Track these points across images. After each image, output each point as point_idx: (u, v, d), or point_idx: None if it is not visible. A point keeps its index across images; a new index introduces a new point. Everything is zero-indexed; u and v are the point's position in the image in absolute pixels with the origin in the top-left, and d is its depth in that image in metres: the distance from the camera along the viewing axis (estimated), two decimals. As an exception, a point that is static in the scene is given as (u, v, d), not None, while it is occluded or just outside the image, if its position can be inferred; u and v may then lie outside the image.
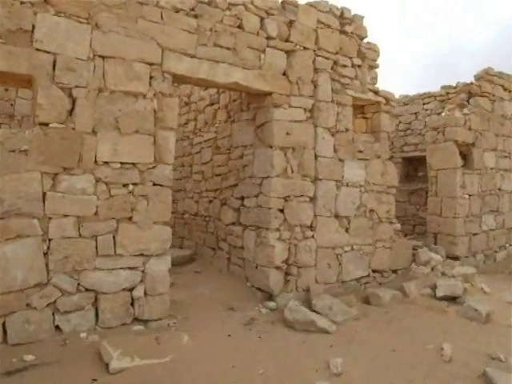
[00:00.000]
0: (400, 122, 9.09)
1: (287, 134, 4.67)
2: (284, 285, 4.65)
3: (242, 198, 5.09)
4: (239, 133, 5.22)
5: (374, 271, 5.41)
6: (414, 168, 9.02)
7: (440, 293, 4.98)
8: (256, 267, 4.75)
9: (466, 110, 6.81)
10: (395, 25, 34.24)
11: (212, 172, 5.83)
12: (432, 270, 5.78)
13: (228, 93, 5.53)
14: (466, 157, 6.84)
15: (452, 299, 4.92)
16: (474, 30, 30.54)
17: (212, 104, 5.94)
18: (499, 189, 7.24)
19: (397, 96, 9.59)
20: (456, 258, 6.52)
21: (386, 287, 5.26)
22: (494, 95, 7.14)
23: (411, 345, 3.79)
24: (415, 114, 8.77)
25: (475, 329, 4.27)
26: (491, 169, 7.08)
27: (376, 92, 5.52)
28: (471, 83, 6.94)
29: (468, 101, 6.98)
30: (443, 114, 6.91)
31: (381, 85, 5.54)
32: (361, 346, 3.72)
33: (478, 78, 7.06)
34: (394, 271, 5.66)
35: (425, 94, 8.66)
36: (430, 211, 6.82)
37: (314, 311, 4.37)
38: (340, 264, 5.04)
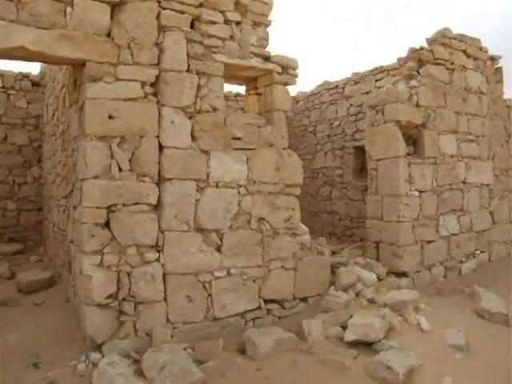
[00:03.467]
0: (351, 105, 7.52)
1: (110, 117, 3.29)
2: (118, 328, 3.31)
3: (75, 208, 3.74)
4: (72, 120, 3.87)
5: (269, 301, 3.98)
6: (370, 159, 7.42)
7: (350, 336, 3.47)
8: (80, 303, 3.41)
9: (413, 82, 5.26)
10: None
11: (62, 174, 4.48)
12: (357, 295, 4.30)
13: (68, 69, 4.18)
14: (415, 142, 5.30)
15: (368, 344, 3.44)
16: (478, 16, 28.14)
17: (63, 87, 4.59)
18: (463, 182, 5.63)
19: (349, 75, 8.10)
20: (403, 275, 5.01)
21: (281, 326, 3.81)
22: (452, 63, 5.55)
23: None
24: (367, 93, 7.19)
25: (379, 401, 2.84)
26: (451, 157, 5.48)
27: (266, 58, 4.07)
28: (421, 48, 5.38)
29: (419, 71, 5.43)
30: (384, 87, 5.38)
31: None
32: None
33: (431, 41, 5.49)
34: (304, 299, 4.21)
35: (377, 68, 7.09)
36: (369, 214, 5.30)
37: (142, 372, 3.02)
38: (209, 296, 3.64)
